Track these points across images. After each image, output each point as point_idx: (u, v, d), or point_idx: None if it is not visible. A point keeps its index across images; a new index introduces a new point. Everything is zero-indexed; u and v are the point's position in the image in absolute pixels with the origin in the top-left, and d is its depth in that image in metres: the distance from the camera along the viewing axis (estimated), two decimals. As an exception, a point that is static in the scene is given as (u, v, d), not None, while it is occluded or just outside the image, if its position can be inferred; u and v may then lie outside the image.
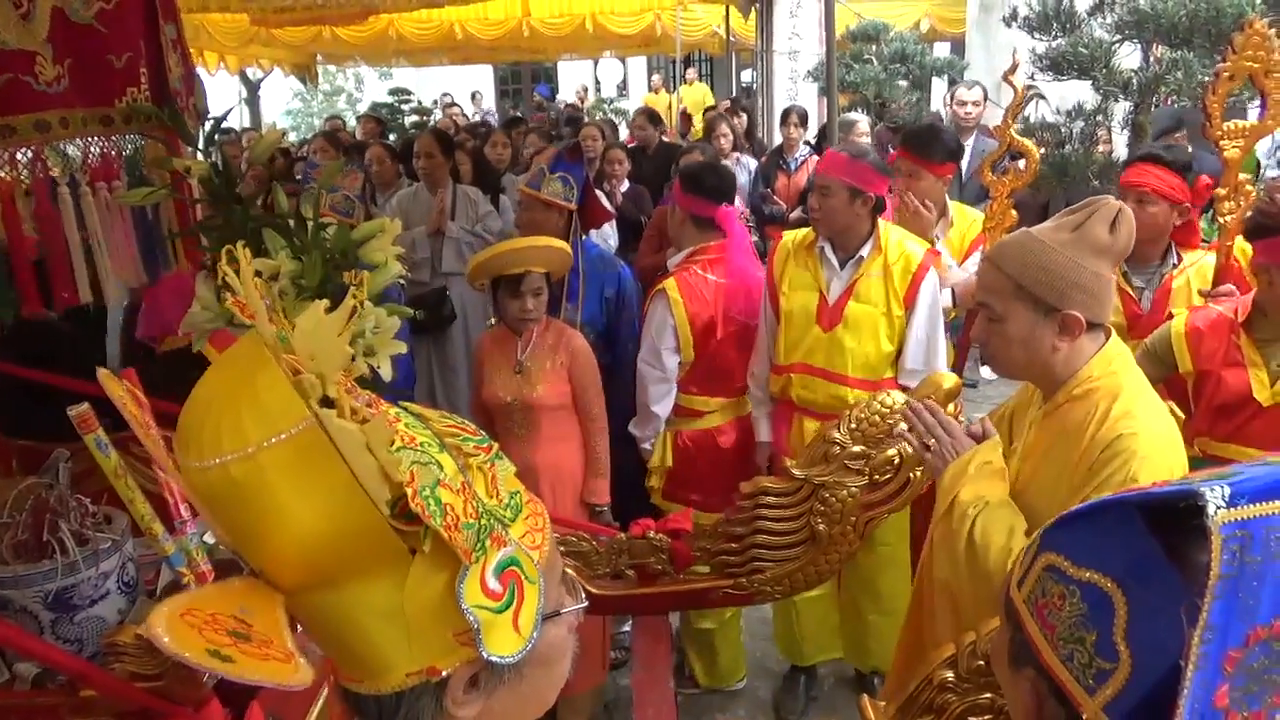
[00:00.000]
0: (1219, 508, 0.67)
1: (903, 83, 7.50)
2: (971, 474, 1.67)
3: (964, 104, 5.27)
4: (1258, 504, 0.69)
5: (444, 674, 0.73)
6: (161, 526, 1.52)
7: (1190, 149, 3.31)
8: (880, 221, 2.83)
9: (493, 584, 0.72)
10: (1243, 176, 2.57)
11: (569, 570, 0.88)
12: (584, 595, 0.86)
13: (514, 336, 2.81)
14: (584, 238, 3.32)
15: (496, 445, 0.81)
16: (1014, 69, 3.06)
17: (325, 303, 0.72)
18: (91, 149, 2.28)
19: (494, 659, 0.71)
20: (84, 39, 2.17)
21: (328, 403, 0.69)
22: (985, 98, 5.35)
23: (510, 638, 0.73)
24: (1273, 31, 2.44)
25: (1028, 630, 0.82)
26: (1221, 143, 2.56)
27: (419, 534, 0.70)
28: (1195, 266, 2.66)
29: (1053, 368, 1.64)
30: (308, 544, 0.68)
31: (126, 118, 2.31)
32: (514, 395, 2.77)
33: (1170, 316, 2.46)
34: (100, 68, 2.22)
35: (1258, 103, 2.54)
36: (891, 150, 3.96)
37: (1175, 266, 2.69)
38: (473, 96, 16.72)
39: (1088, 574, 0.77)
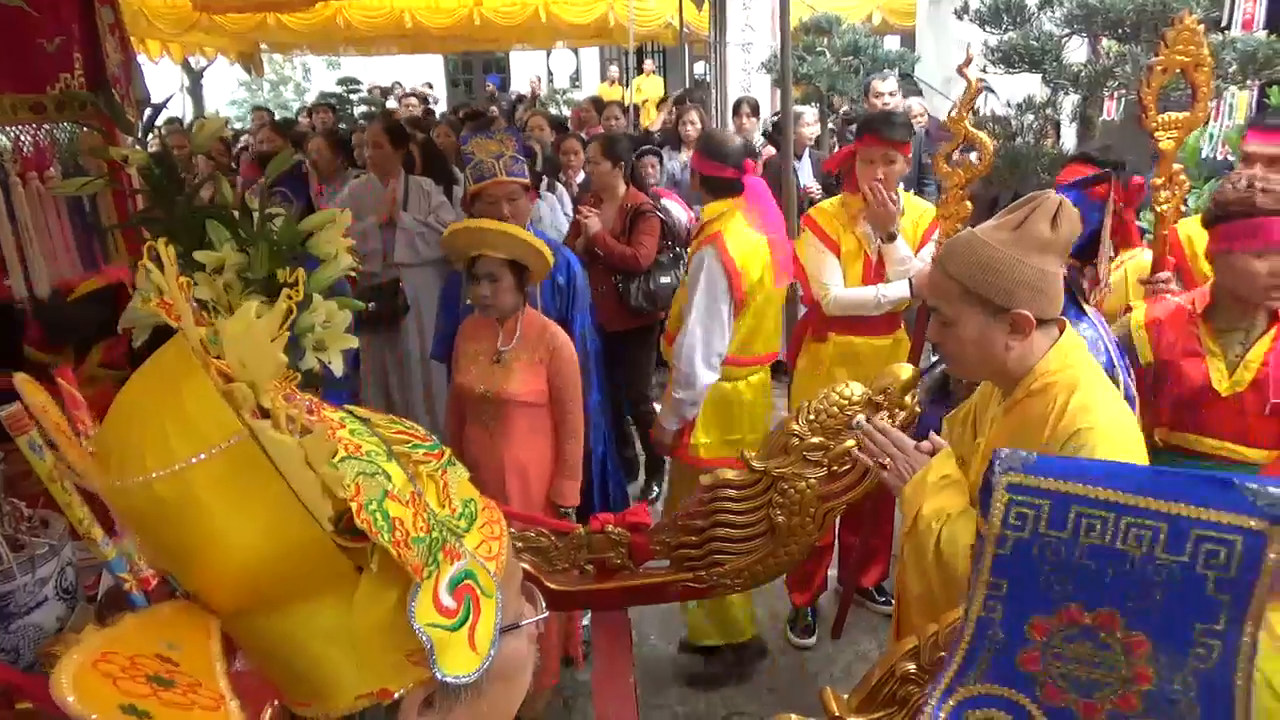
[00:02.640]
0: (1010, 468, 0.68)
1: (897, 75, 7.57)
2: (930, 487, 1.70)
3: (880, 95, 5.36)
4: (1066, 481, 0.69)
5: (396, 696, 0.69)
6: (101, 531, 1.46)
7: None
8: (725, 202, 3.02)
9: (446, 600, 0.68)
10: (1175, 166, 2.62)
11: (527, 567, 0.84)
12: (544, 604, 0.82)
13: (496, 325, 2.73)
14: (531, 223, 3.30)
15: (449, 451, 0.77)
16: (968, 61, 3.08)
17: (256, 304, 0.66)
18: (23, 137, 2.19)
19: (449, 680, 0.68)
20: (11, 21, 2.08)
21: (264, 413, 0.64)
22: (899, 90, 5.48)
23: (466, 656, 0.69)
24: (1201, 26, 2.48)
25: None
26: (1157, 134, 2.61)
27: (366, 551, 0.66)
28: (1133, 261, 2.72)
29: (1008, 365, 1.65)
30: (245, 565, 0.64)
31: (59, 105, 2.22)
32: (488, 386, 2.69)
33: (1129, 309, 2.49)
34: (30, 52, 2.13)
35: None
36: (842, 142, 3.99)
37: (1111, 259, 2.74)
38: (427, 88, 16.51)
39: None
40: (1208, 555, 0.67)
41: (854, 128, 6.18)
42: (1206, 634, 0.68)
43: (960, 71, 3.08)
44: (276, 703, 0.73)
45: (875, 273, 3.21)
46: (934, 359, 2.79)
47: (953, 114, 2.97)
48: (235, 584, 0.65)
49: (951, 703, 0.71)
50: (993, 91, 4.97)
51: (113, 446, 0.64)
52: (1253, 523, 0.67)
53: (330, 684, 0.69)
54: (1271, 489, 0.69)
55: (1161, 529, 0.67)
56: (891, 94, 5.42)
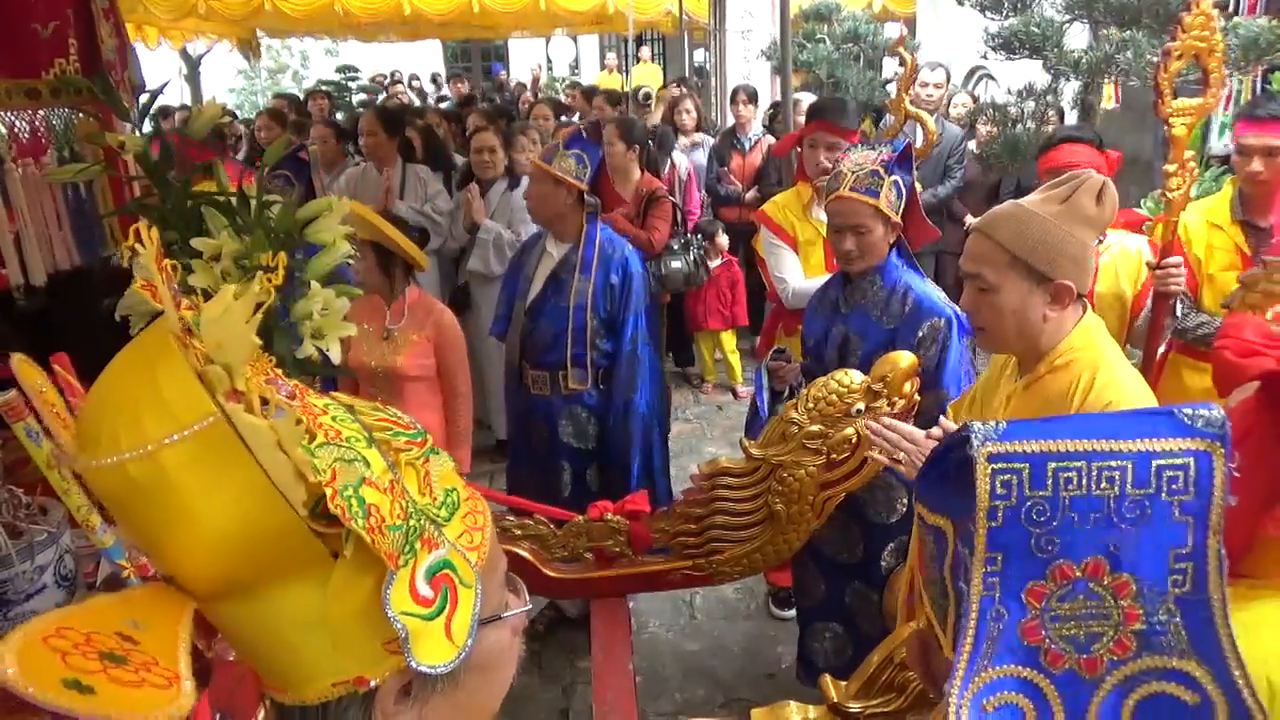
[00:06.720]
0: (987, 439, 0.71)
1: (894, 68, 7.53)
2: None
3: (925, 85, 5.30)
4: (1038, 441, 0.71)
5: (372, 684, 0.69)
6: (99, 518, 1.46)
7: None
8: None
9: (423, 589, 0.68)
10: (1187, 153, 2.61)
11: (527, 555, 0.84)
12: (528, 597, 0.82)
13: (383, 305, 2.86)
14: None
15: (431, 439, 0.76)
16: (901, 41, 3.11)
17: (234, 288, 0.66)
18: (18, 123, 2.18)
19: (424, 669, 0.67)
20: (5, 6, 2.07)
21: (241, 396, 0.64)
22: (949, 80, 5.36)
23: (442, 646, 0.68)
24: (1216, 11, 2.47)
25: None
26: (1170, 120, 2.60)
27: (341, 536, 0.65)
28: (1119, 247, 2.72)
29: (1039, 338, 1.68)
30: (218, 548, 0.63)
31: (55, 90, 2.21)
32: (379, 362, 2.83)
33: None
34: (24, 37, 2.12)
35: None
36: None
37: (1100, 243, 2.74)
38: (433, 78, 16.42)
39: (936, 519, 0.79)
40: (1169, 482, 0.72)
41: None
42: (1179, 558, 0.72)
43: (892, 51, 3.10)
44: (270, 701, 0.73)
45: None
46: (779, 349, 2.80)
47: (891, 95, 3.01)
48: (208, 567, 0.64)
49: (969, 694, 0.71)
50: (993, 78, 4.94)
51: (89, 426, 0.63)
52: (1198, 443, 0.72)
53: (305, 670, 0.68)
54: (1201, 410, 0.74)
55: (1128, 466, 0.71)
56: (938, 85, 5.32)
